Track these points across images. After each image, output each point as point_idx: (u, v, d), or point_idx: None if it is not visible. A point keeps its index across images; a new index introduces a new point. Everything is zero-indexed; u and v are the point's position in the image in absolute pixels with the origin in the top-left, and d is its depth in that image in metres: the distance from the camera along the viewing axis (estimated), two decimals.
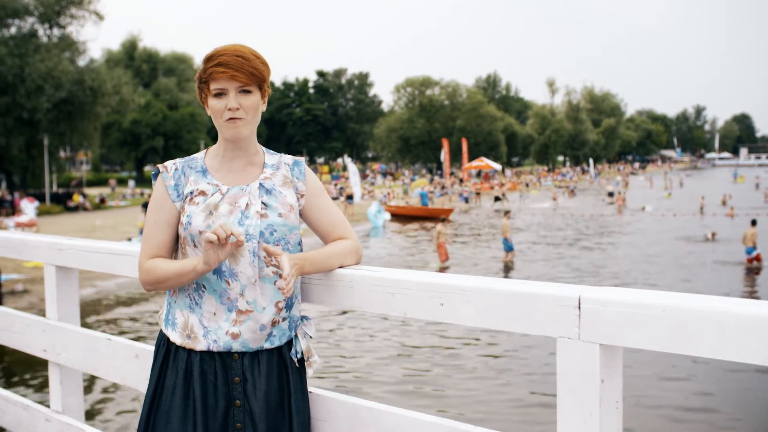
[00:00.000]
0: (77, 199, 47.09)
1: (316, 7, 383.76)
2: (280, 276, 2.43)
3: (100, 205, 49.09)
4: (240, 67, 2.36)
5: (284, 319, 2.48)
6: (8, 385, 10.66)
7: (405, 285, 2.31)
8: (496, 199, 51.32)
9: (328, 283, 2.55)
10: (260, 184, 2.47)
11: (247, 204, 2.42)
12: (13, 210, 35.91)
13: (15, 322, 4.00)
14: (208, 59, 2.39)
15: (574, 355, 1.94)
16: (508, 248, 22.88)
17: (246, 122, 2.42)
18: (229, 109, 2.38)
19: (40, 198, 44.46)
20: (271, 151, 2.61)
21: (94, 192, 60.37)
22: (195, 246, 2.43)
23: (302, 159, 2.63)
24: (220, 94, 2.38)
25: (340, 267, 2.54)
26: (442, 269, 21.25)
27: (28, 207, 32.78)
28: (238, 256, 2.39)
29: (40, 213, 36.81)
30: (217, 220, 2.39)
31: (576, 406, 1.95)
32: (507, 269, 21.61)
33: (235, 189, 2.45)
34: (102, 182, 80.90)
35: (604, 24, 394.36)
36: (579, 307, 1.92)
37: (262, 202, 2.44)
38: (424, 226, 36.29)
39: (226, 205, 2.42)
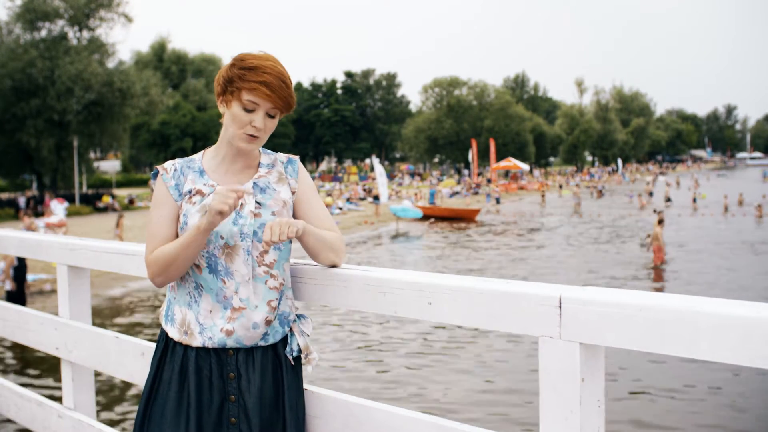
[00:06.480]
0: (106, 200, 47.55)
1: (343, 8, 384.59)
2: (272, 276, 2.49)
3: (129, 205, 49.51)
4: (281, 94, 2.40)
5: (275, 317, 2.53)
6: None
7: (395, 284, 2.36)
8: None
9: (323, 282, 2.60)
10: (254, 183, 2.53)
11: (241, 203, 2.47)
12: (40, 211, 36.24)
13: (29, 320, 4.09)
14: (251, 69, 2.40)
15: (555, 354, 1.97)
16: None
17: (260, 140, 2.48)
18: (254, 127, 2.43)
19: (70, 199, 44.90)
20: (268, 151, 2.66)
21: (123, 193, 60.88)
22: None
23: (296, 157, 2.69)
24: (250, 109, 2.42)
25: (331, 252, 2.57)
26: (657, 271, 21.13)
27: (58, 208, 33.06)
28: (234, 255, 2.46)
29: (70, 214, 37.15)
30: None
31: (557, 404, 1.98)
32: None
33: None
34: (131, 183, 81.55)
35: (634, 22, 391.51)
36: (560, 307, 1.95)
37: (256, 201, 2.50)
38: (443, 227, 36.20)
39: None
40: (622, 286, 18.42)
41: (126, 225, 32.86)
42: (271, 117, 2.45)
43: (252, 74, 2.39)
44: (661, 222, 22.22)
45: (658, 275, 20.49)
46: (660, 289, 18.44)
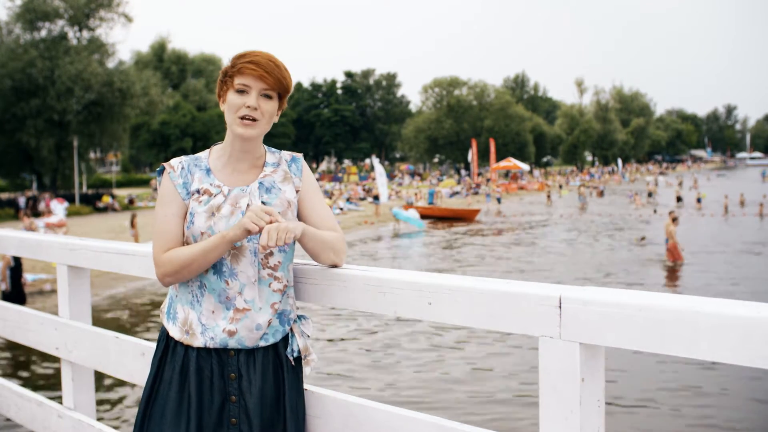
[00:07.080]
0: (106, 200, 47.54)
1: (343, 8, 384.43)
2: (276, 278, 2.49)
3: (129, 205, 49.47)
4: (270, 70, 2.42)
5: (275, 316, 2.53)
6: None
7: (395, 284, 2.36)
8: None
9: (323, 282, 2.60)
10: (260, 183, 2.53)
11: (247, 204, 2.47)
12: (39, 211, 36.20)
13: (30, 320, 4.09)
14: (240, 56, 2.46)
15: (555, 354, 1.98)
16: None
17: (259, 124, 2.46)
18: (248, 107, 2.43)
19: (70, 199, 44.89)
20: (273, 150, 2.66)
21: (123, 193, 60.85)
22: None
23: (300, 156, 2.68)
24: (242, 91, 2.43)
25: (332, 252, 2.57)
26: (672, 270, 21.07)
27: (58, 208, 33.08)
28: (240, 256, 2.46)
29: (70, 214, 37.13)
30: (218, 221, 2.45)
31: (557, 404, 1.98)
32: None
33: (236, 190, 2.50)
34: (131, 183, 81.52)
35: (634, 22, 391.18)
36: (560, 307, 1.95)
37: (262, 201, 2.49)
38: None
39: (228, 206, 2.47)
40: (634, 284, 18.42)
41: (126, 225, 32.86)
42: (269, 98, 2.46)
43: (241, 59, 2.45)
44: (675, 220, 22.13)
45: (672, 274, 20.46)
46: (675, 288, 18.42)
